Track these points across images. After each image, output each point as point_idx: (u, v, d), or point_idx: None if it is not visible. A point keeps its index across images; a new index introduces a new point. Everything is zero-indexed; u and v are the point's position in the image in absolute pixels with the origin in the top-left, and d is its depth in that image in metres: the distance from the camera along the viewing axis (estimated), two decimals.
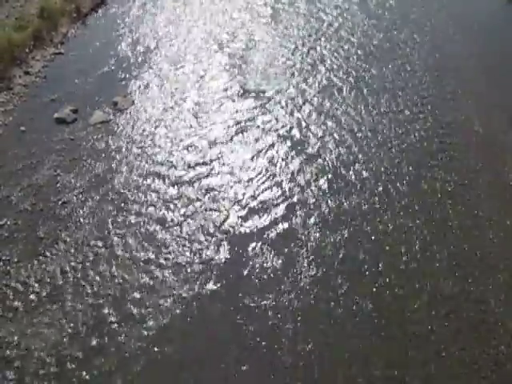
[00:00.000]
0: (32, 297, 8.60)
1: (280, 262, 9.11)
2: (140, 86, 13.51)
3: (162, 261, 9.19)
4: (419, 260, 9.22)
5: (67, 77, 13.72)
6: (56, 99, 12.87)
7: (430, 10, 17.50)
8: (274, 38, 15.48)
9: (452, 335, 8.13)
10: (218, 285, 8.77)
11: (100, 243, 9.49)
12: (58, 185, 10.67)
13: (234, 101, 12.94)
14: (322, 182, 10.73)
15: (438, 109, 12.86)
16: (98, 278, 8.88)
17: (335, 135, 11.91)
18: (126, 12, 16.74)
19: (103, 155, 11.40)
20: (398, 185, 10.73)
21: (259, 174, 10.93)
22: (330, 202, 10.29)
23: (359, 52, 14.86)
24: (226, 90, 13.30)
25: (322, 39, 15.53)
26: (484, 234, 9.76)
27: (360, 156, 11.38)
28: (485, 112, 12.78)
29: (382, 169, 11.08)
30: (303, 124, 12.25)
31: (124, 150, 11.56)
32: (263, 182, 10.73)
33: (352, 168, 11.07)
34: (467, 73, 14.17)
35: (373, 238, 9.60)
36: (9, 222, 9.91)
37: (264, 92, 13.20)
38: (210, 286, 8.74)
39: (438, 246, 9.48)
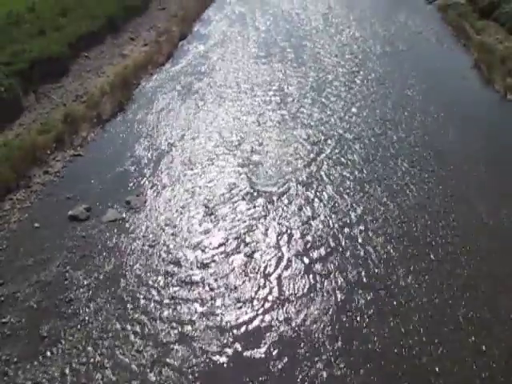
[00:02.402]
0: None
1: None
2: (153, 187, 14.00)
3: (168, 362, 8.84)
4: None
5: (84, 177, 14.30)
6: (71, 197, 13.31)
7: (426, 108, 17.78)
8: (282, 140, 16.14)
9: None
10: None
11: (104, 344, 9.22)
12: (66, 282, 10.65)
13: (243, 201, 13.22)
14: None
15: (440, 207, 13.01)
16: (100, 381, 8.50)
17: (343, 238, 11.98)
18: (143, 118, 17.87)
19: (113, 253, 11.50)
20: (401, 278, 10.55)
21: (267, 268, 10.91)
22: None
23: (361, 156, 15.33)
24: (235, 191, 13.65)
25: (332, 137, 16.15)
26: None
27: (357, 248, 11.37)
28: (491, 203, 12.81)
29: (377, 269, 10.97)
30: (310, 225, 12.40)
31: (134, 248, 11.68)
32: (272, 275, 10.72)
33: (348, 265, 11.02)
34: (468, 166, 14.32)
35: None
36: (12, 320, 9.76)
37: (273, 193, 13.59)
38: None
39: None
